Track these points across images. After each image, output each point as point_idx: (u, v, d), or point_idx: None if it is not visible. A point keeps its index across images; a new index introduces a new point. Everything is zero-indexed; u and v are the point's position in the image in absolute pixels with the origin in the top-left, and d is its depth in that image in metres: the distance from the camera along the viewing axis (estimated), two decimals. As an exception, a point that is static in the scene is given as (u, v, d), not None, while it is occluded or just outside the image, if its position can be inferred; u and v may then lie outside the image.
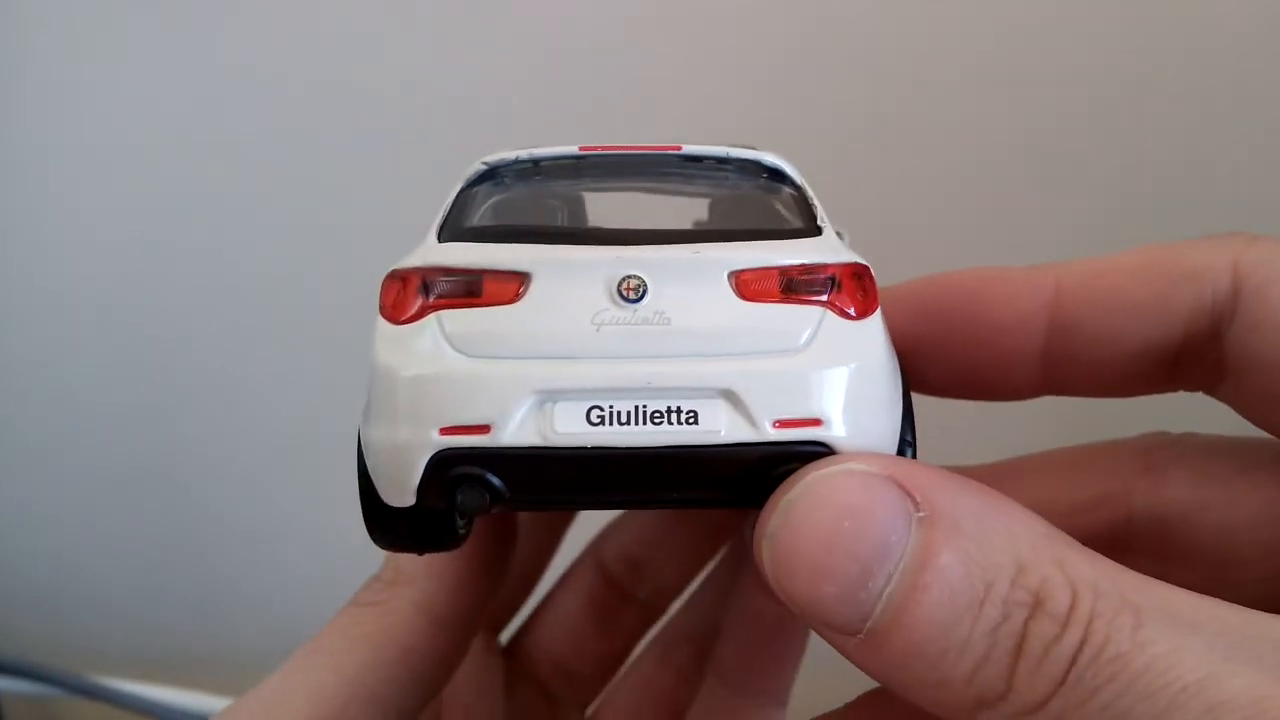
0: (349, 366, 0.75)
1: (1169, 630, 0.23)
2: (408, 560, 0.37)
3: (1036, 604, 0.23)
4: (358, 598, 0.37)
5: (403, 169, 0.71)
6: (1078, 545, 0.25)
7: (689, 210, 0.36)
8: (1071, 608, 0.23)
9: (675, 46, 0.67)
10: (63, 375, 0.80)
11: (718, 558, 0.46)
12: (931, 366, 0.34)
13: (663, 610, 0.47)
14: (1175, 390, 0.33)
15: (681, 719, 0.45)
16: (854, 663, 0.25)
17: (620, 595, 0.46)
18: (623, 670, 0.47)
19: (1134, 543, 0.33)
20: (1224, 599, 0.30)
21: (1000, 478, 0.35)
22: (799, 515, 0.25)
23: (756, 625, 0.43)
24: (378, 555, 0.38)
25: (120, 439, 0.81)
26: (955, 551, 0.24)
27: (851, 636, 0.25)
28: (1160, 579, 0.31)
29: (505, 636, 0.48)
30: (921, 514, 0.24)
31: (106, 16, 0.71)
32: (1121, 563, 0.31)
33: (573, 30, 0.68)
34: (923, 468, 0.26)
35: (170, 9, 0.70)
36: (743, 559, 0.44)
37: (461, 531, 0.32)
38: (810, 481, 0.26)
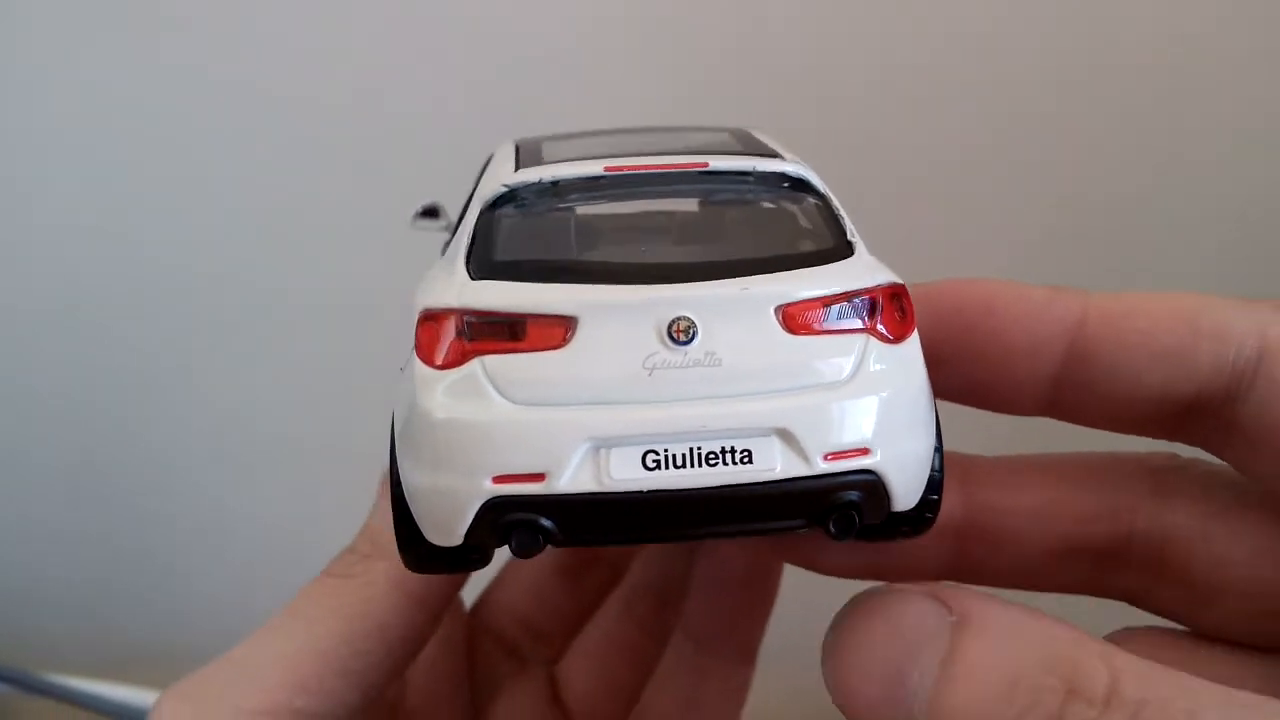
0: (297, 367, 0.75)
1: (1224, 716, 0.23)
2: (383, 534, 0.36)
3: (1070, 691, 0.24)
4: (332, 569, 0.37)
5: (360, 175, 0.71)
6: (1122, 650, 0.26)
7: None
8: (1111, 692, 0.24)
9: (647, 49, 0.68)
10: (10, 372, 0.79)
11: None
12: (934, 370, 0.33)
13: (629, 567, 0.47)
14: (1177, 441, 0.33)
15: (649, 673, 0.45)
16: None
17: (588, 552, 0.46)
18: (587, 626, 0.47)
19: (1130, 559, 0.33)
20: (1206, 626, 0.31)
21: (1006, 473, 0.35)
22: (844, 627, 0.28)
23: (723, 582, 0.43)
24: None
25: (68, 435, 0.80)
26: (983, 648, 0.26)
27: None
28: (1148, 595, 0.33)
29: (470, 597, 0.47)
30: (953, 619, 0.26)
31: (74, 19, 0.70)
32: (1115, 576, 0.33)
33: (536, 35, 0.68)
34: (967, 590, 0.28)
35: (139, 12, 0.70)
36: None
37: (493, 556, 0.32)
38: (857, 598, 0.29)
